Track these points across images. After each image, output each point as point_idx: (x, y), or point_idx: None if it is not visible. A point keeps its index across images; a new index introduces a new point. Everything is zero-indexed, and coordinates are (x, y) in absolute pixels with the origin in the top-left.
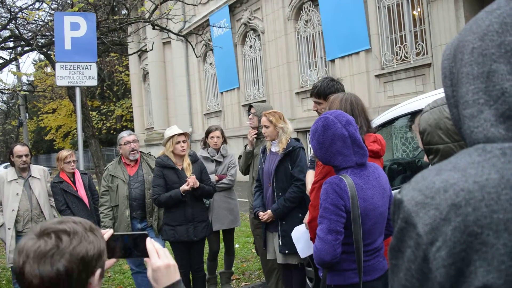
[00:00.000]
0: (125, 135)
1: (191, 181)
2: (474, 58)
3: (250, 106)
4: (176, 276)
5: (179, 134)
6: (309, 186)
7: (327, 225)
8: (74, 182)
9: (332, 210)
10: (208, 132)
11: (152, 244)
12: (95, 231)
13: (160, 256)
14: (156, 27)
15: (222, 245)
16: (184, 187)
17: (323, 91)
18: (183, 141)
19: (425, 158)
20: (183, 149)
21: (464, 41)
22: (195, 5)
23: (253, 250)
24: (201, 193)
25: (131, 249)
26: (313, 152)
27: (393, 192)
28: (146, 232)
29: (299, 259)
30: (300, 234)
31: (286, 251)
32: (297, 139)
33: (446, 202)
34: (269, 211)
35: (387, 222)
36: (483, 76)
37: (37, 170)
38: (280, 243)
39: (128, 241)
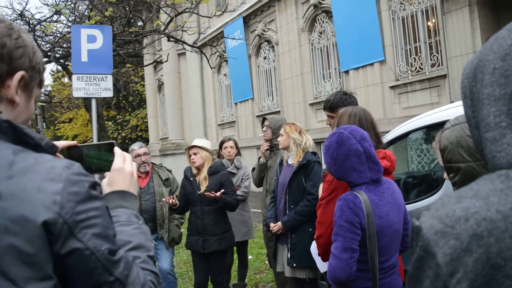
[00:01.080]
0: (135, 148)
1: (169, 199)
2: (495, 79)
3: (264, 119)
4: (134, 190)
5: (189, 148)
6: None
7: (342, 243)
8: None
9: (347, 227)
10: (221, 143)
11: (121, 151)
12: (29, 35)
13: (126, 163)
14: (171, 39)
15: (235, 256)
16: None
17: (336, 105)
18: (194, 154)
19: (445, 176)
20: (194, 162)
21: (485, 60)
22: (209, 17)
23: (267, 262)
24: (222, 205)
25: (92, 159)
26: (325, 166)
27: (408, 208)
28: (113, 141)
29: (307, 273)
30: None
31: (294, 265)
32: (314, 153)
33: (467, 232)
34: (279, 223)
35: (402, 238)
36: (505, 98)
37: None
38: (289, 256)
39: (91, 150)
